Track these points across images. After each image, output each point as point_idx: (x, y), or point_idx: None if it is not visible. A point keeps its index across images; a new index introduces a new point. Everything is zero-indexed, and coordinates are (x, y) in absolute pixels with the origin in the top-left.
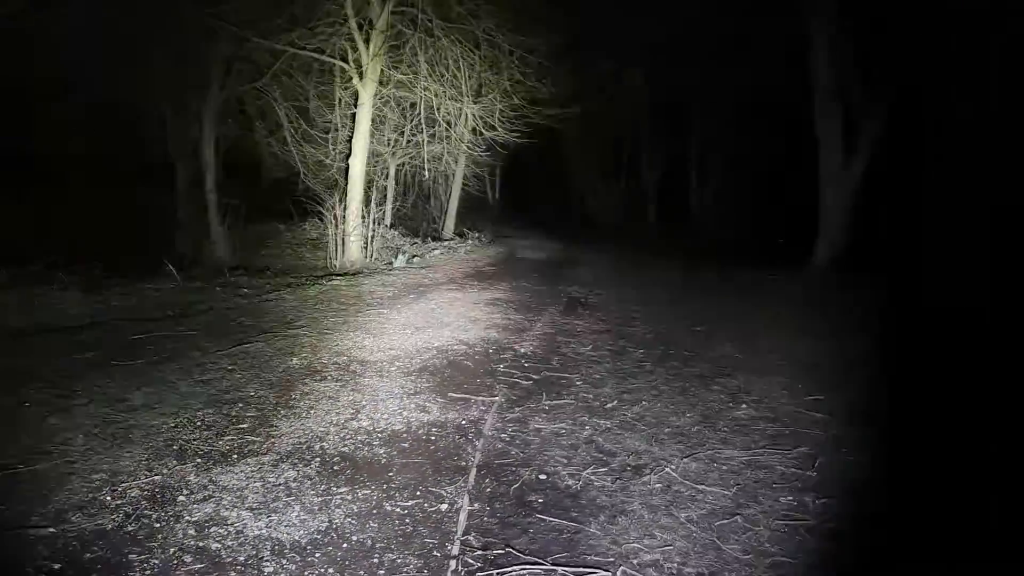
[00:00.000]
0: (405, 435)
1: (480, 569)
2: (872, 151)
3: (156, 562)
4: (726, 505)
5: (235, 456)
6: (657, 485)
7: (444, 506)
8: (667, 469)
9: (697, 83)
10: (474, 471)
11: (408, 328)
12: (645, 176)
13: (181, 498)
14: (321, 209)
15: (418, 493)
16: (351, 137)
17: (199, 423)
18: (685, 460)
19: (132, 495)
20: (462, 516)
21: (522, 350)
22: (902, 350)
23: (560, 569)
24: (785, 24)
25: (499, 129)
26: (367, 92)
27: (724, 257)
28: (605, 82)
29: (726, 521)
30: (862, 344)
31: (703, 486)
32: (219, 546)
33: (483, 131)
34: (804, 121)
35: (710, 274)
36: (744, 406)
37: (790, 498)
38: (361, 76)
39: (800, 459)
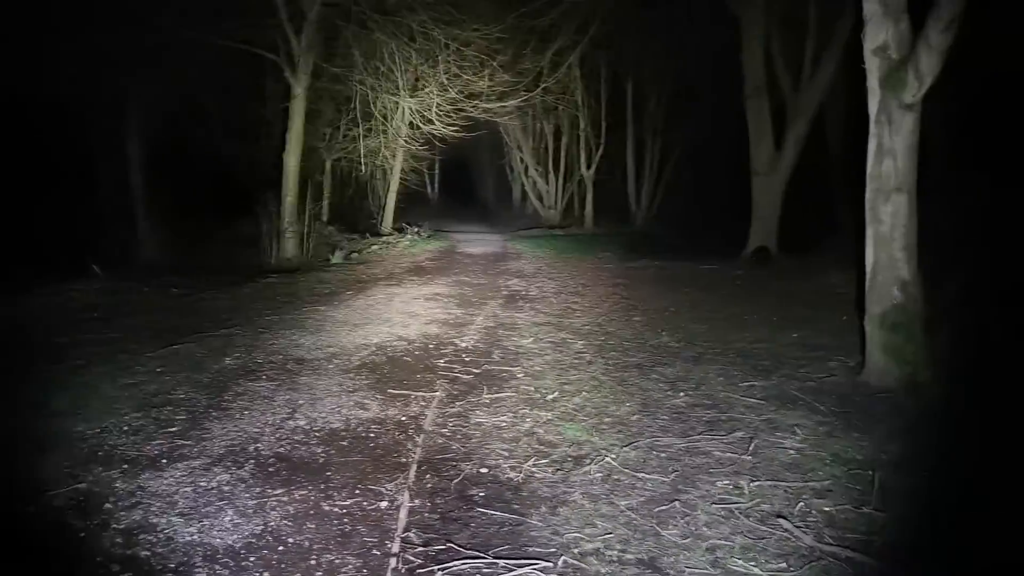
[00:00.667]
0: (344, 433)
1: (421, 566)
2: (800, 146)
3: (83, 573)
4: (665, 491)
5: (164, 461)
6: (598, 475)
7: (384, 503)
8: (607, 458)
9: (633, 73)
10: (414, 467)
11: (346, 325)
12: (583, 169)
13: (108, 506)
14: (255, 206)
15: (357, 491)
16: (285, 132)
17: (126, 428)
18: (625, 449)
19: (56, 504)
20: (402, 513)
21: (463, 344)
22: (831, 336)
23: (502, 562)
24: (717, 22)
25: (437, 123)
26: (300, 85)
27: (661, 249)
28: (541, 74)
29: (665, 507)
30: (791, 331)
31: (643, 474)
32: (148, 554)
33: (420, 125)
34: (739, 114)
35: (648, 266)
36: (682, 394)
37: (726, 482)
38: (293, 69)
39: (736, 444)
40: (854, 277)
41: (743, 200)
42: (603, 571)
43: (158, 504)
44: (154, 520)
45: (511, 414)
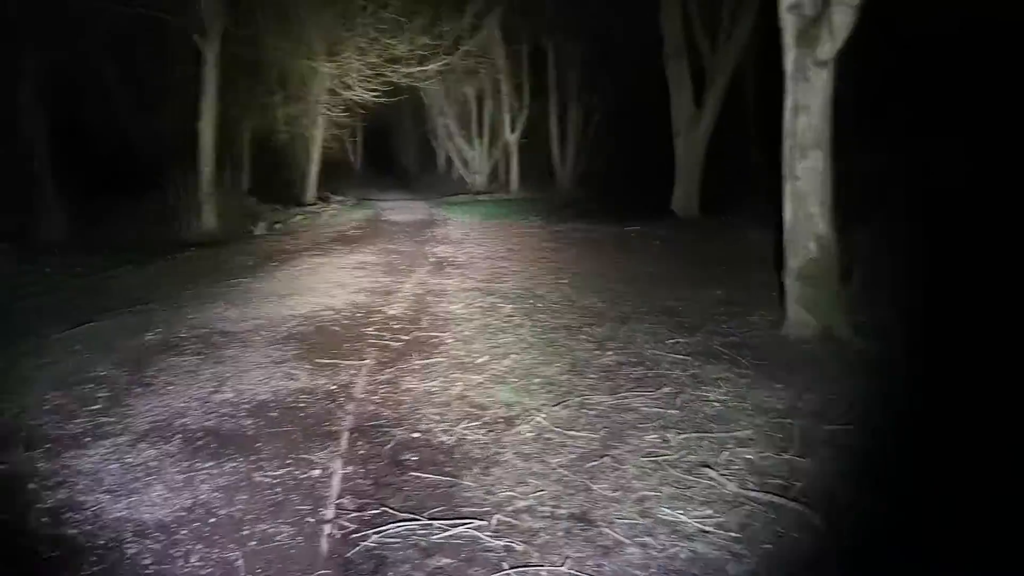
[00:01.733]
0: (273, 404)
1: (356, 531)
2: (719, 105)
3: (10, 555)
4: (595, 448)
5: (88, 439)
6: (529, 434)
7: (316, 472)
8: (538, 418)
9: (554, 36)
10: (346, 435)
11: (272, 296)
12: (508, 134)
13: (32, 486)
14: (170, 177)
15: (288, 461)
16: (198, 100)
17: (47, 407)
18: (555, 408)
19: None
20: (335, 480)
21: (391, 312)
22: (752, 291)
23: (436, 523)
24: None
25: (356, 89)
26: (210, 51)
27: (586, 212)
28: (461, 37)
29: (595, 463)
30: (713, 288)
31: (573, 431)
32: (76, 532)
33: (340, 91)
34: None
35: (574, 229)
36: (610, 353)
37: (654, 436)
38: (203, 34)
39: (663, 399)
40: (773, 233)
41: (666, 161)
42: (536, 527)
43: (84, 482)
44: (81, 498)
45: (442, 379)
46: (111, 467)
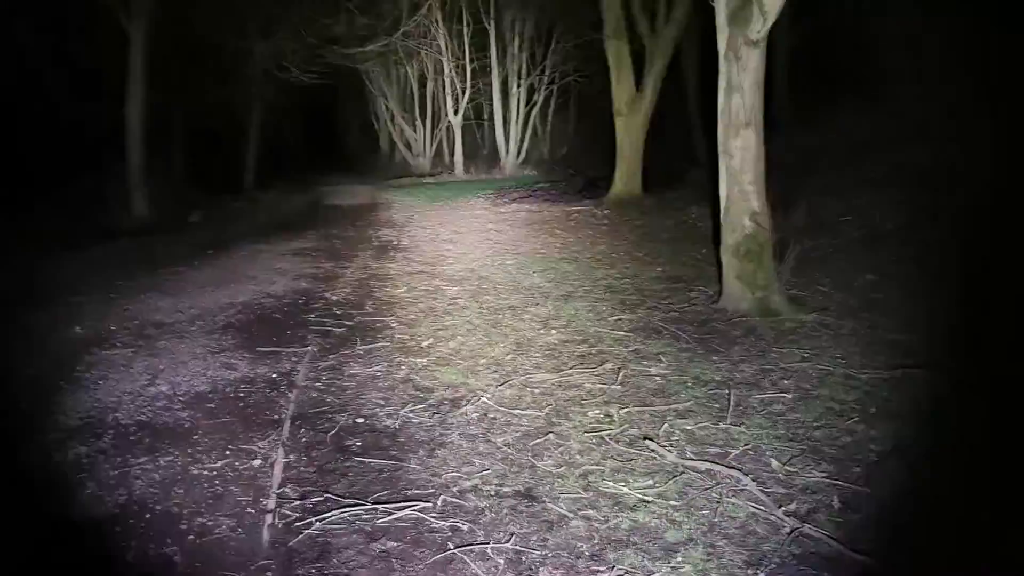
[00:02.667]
0: (211, 395)
1: (299, 519)
2: (659, 86)
3: None
4: (539, 425)
5: (17, 439)
6: (474, 415)
7: (257, 462)
8: (483, 399)
9: (495, 16)
10: (288, 423)
11: (208, 285)
12: (451, 115)
13: None
14: (99, 163)
15: (228, 452)
16: (124, 83)
17: None
18: (500, 388)
19: None
20: (277, 469)
21: (334, 298)
22: (691, 268)
23: (381, 507)
24: None
25: (293, 70)
26: (137, 31)
27: (531, 193)
28: (401, 18)
29: (540, 440)
30: (655, 265)
31: (518, 410)
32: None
33: (275, 72)
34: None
35: (519, 210)
36: (554, 331)
37: (597, 411)
38: (128, 13)
39: (606, 375)
40: (711, 211)
41: (609, 141)
42: (481, 505)
43: None
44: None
45: (386, 363)
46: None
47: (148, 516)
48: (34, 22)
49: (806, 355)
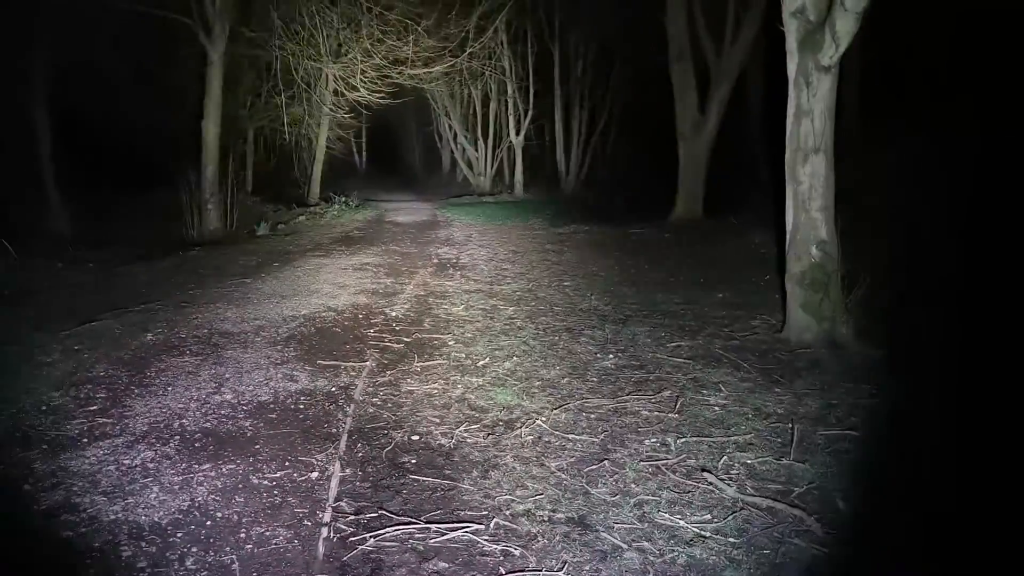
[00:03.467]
0: (272, 406)
1: (353, 534)
2: (723, 109)
3: (3, 556)
4: (594, 451)
5: (85, 440)
6: (528, 438)
7: (315, 474)
8: (538, 421)
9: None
10: (345, 437)
11: (273, 297)
12: (512, 136)
13: (27, 487)
14: (175, 176)
15: (287, 463)
16: (203, 99)
17: (44, 408)
18: (555, 411)
19: None
20: (333, 483)
21: (393, 314)
22: (754, 295)
23: (434, 526)
24: None
25: (361, 90)
26: (216, 50)
27: (590, 214)
28: (467, 39)
29: (594, 466)
30: (715, 291)
31: (572, 435)
32: (71, 534)
33: (345, 92)
34: (665, 78)
35: (577, 231)
36: (611, 356)
37: (654, 440)
38: (208, 33)
39: (663, 402)
40: (775, 238)
41: (671, 164)
42: (534, 531)
43: (80, 484)
44: (76, 500)
45: (442, 381)
46: (107, 468)
47: (209, 523)
48: (118, 41)
49: (874, 392)
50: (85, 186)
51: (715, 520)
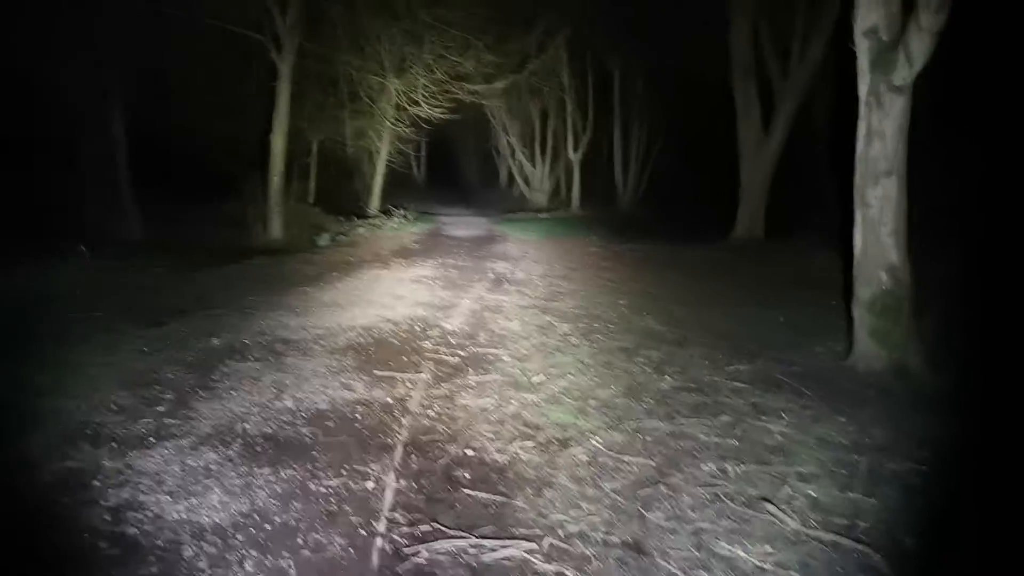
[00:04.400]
0: (330, 414)
1: (406, 545)
2: (788, 128)
3: (71, 550)
4: (650, 474)
5: (152, 440)
6: (583, 457)
7: (370, 484)
8: (593, 441)
9: (620, 55)
10: (400, 448)
11: (333, 306)
12: (570, 152)
13: (95, 483)
14: (241, 186)
15: (343, 472)
16: (270, 112)
17: (113, 407)
18: (610, 432)
19: (44, 481)
20: (388, 493)
21: (448, 327)
22: (817, 319)
23: (487, 542)
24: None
25: (423, 104)
26: (285, 65)
27: (647, 232)
28: (528, 56)
29: (650, 490)
30: (779, 313)
31: (628, 456)
32: (136, 531)
33: (406, 106)
34: (727, 96)
35: (634, 249)
36: (667, 377)
37: (712, 466)
38: (279, 49)
39: (721, 427)
40: (841, 261)
41: (730, 183)
42: (588, 553)
43: (146, 482)
44: (142, 498)
45: (497, 396)
46: (172, 468)
47: (268, 527)
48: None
49: (946, 424)
50: (158, 192)
51: (776, 552)
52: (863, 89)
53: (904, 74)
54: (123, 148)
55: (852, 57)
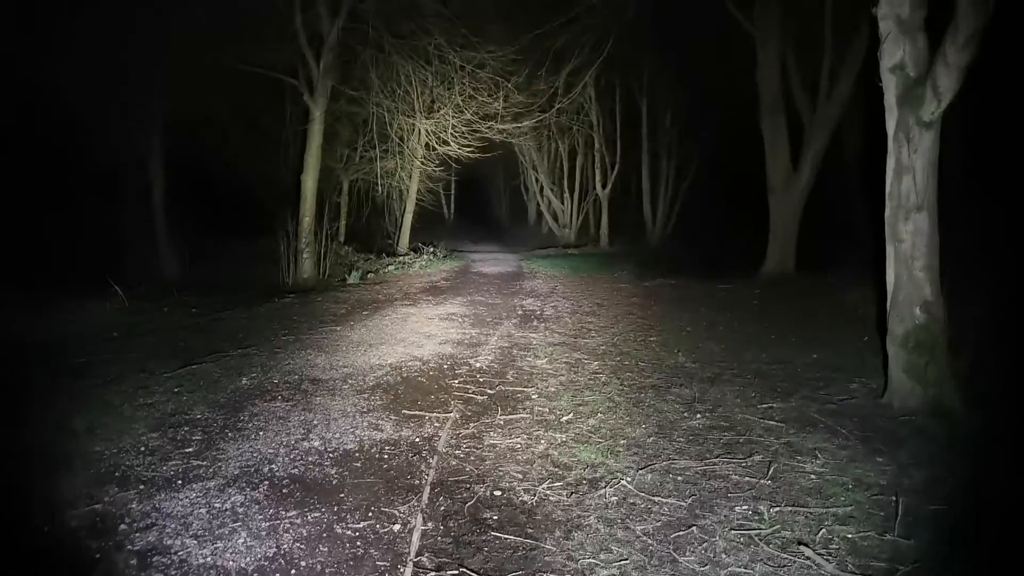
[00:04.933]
0: (357, 454)
1: None
2: (817, 163)
3: None
4: (682, 516)
5: (180, 482)
6: (613, 498)
7: (397, 526)
8: (623, 481)
9: (647, 92)
10: (428, 489)
11: (362, 345)
12: (599, 188)
13: (123, 527)
14: (273, 225)
15: (370, 514)
16: (303, 152)
17: (143, 448)
18: (641, 472)
19: (72, 524)
20: (415, 536)
21: (477, 364)
22: (851, 356)
23: None
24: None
25: (452, 144)
26: (318, 108)
27: (677, 268)
28: (556, 94)
29: (682, 532)
30: (810, 351)
31: (659, 497)
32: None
33: (436, 146)
34: (755, 131)
35: (663, 285)
36: (699, 416)
37: (745, 507)
38: (312, 92)
39: (755, 467)
40: (874, 296)
41: (760, 219)
42: None
43: (173, 525)
44: (168, 542)
45: (525, 436)
46: (199, 511)
47: (293, 571)
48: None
49: (986, 465)
50: (194, 233)
51: None
52: (891, 125)
53: (932, 109)
54: (160, 191)
55: (881, 92)
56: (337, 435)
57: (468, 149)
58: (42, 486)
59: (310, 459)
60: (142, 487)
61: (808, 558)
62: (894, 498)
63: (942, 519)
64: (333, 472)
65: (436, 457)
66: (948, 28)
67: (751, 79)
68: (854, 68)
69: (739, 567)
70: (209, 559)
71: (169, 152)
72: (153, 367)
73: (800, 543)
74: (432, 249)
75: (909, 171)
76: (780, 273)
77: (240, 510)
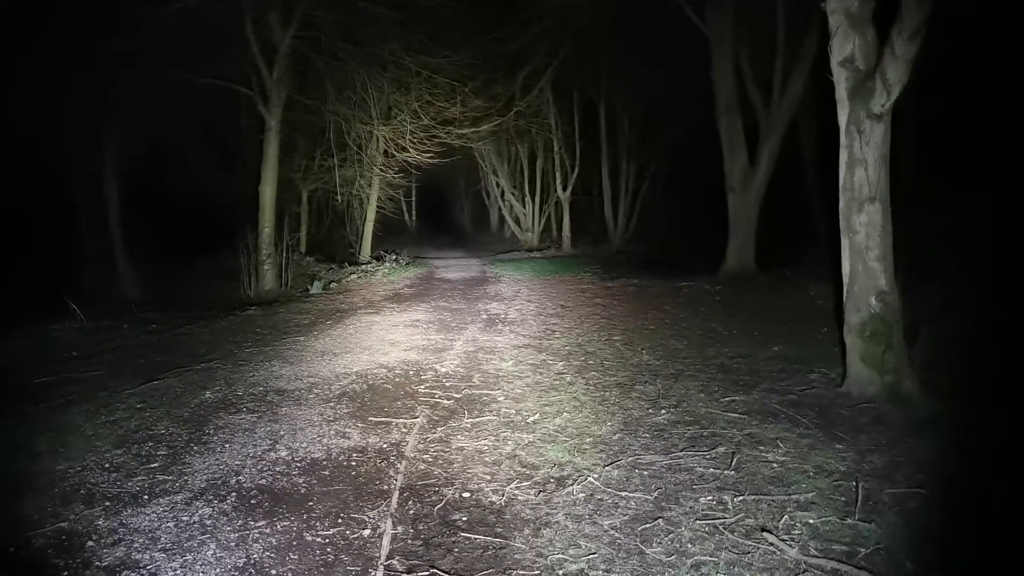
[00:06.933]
0: (325, 463)
1: None
2: (774, 160)
3: None
4: (648, 509)
5: (146, 497)
6: (580, 495)
7: (367, 532)
8: (590, 478)
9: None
10: (396, 494)
11: (326, 354)
12: (559, 191)
13: (90, 544)
14: (234, 240)
15: (339, 521)
16: (260, 164)
17: (107, 465)
18: (607, 468)
19: (38, 544)
20: (385, 540)
21: (443, 370)
22: (811, 348)
23: None
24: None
25: (411, 150)
26: (273, 118)
27: (639, 268)
28: (513, 98)
29: (649, 525)
30: (770, 345)
31: (625, 492)
32: None
33: (395, 153)
34: (712, 131)
35: (626, 285)
36: (663, 411)
37: (710, 498)
38: (266, 102)
39: (718, 459)
40: (831, 289)
41: (720, 217)
42: None
43: (140, 540)
44: (137, 556)
45: (492, 438)
46: (167, 525)
47: None
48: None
49: (943, 448)
50: (154, 250)
51: None
52: (843, 118)
53: (882, 101)
54: (116, 209)
55: (832, 87)
56: (304, 444)
57: (427, 155)
58: (6, 508)
59: (278, 469)
60: (108, 504)
61: (771, 544)
62: (854, 483)
63: (901, 502)
64: (301, 481)
65: (404, 462)
66: (895, 21)
67: (708, 79)
68: (806, 64)
69: (704, 555)
70: (179, 571)
71: (124, 171)
72: (115, 385)
73: (763, 530)
74: (395, 257)
75: (861, 163)
76: (741, 270)
77: (208, 522)
